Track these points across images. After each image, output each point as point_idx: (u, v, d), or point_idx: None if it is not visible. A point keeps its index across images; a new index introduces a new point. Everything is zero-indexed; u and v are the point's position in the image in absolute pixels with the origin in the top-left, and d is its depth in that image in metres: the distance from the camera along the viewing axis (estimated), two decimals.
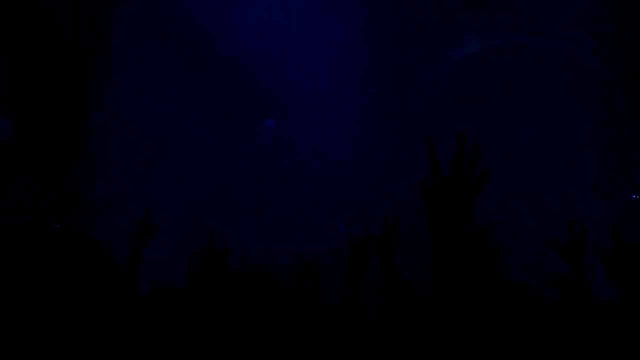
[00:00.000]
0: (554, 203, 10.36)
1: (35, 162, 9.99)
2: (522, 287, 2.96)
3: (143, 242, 4.51)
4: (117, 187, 10.70)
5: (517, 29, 11.55)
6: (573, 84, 10.88)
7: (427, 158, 1.98)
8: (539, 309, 2.74)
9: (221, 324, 1.71)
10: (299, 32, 11.46)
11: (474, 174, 1.96)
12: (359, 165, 11.45)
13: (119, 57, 10.79)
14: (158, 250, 5.79)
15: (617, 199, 10.37)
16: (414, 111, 11.48)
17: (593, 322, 1.93)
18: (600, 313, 1.99)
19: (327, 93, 11.53)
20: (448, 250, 1.81)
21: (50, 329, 1.26)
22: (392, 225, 3.50)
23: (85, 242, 1.45)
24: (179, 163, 11.38)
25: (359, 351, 2.56)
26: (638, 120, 10.55)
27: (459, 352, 1.98)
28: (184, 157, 11.49)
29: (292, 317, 1.74)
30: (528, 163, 10.99)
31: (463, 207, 1.90)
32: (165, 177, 11.15)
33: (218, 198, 11.67)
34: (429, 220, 1.95)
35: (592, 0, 10.23)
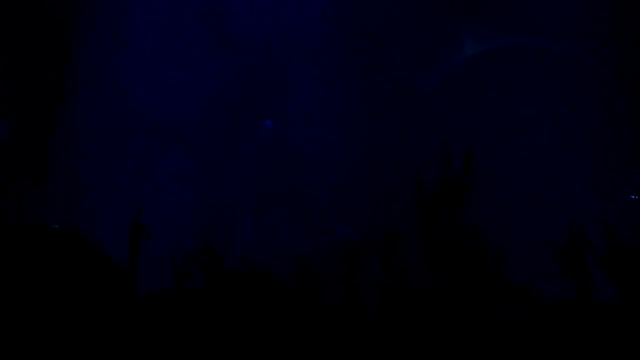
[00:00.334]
0: (554, 203, 10.36)
1: (35, 162, 10.00)
2: (522, 287, 2.95)
3: (138, 241, 4.52)
4: (117, 188, 10.70)
5: (517, 29, 11.57)
6: (573, 84, 10.90)
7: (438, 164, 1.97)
8: (539, 309, 2.74)
9: (221, 323, 1.71)
10: (299, 32, 11.48)
11: (463, 184, 1.96)
12: (358, 166, 11.44)
13: (118, 56, 10.81)
14: (158, 250, 5.80)
15: (616, 199, 10.37)
16: (414, 112, 11.48)
17: (593, 322, 1.93)
18: (600, 313, 1.99)
19: (327, 94, 11.53)
20: (448, 250, 1.81)
21: (50, 329, 1.26)
22: (393, 227, 3.49)
23: (84, 243, 1.45)
24: (179, 163, 11.37)
25: (359, 351, 2.55)
26: (638, 120, 10.55)
27: (459, 352, 1.98)
28: (184, 157, 11.49)
29: (292, 317, 1.73)
30: (528, 163, 11.00)
31: (452, 212, 1.90)
32: (165, 177, 11.15)
33: (218, 198, 11.67)
34: (419, 220, 1.95)
35: (592, 1, 10.27)
